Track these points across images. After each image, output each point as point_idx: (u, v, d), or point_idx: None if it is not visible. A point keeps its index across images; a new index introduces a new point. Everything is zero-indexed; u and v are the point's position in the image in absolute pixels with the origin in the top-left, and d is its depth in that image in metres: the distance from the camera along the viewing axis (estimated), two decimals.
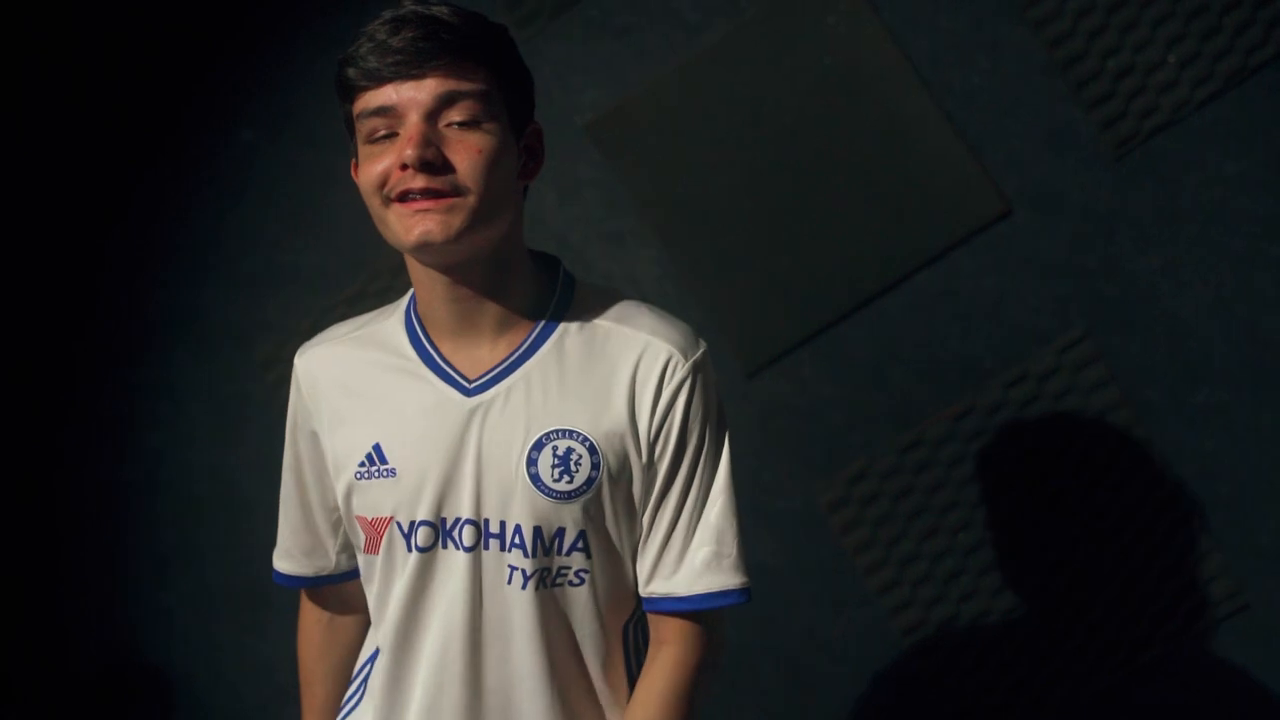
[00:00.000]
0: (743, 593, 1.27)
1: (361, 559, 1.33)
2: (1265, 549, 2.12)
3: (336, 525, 1.41)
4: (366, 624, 1.46)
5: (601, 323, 1.28)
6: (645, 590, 1.28)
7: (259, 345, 2.41)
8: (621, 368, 1.25)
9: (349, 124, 1.22)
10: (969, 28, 2.11)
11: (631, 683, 1.33)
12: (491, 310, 1.24)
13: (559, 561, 1.24)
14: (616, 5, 2.22)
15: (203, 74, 2.37)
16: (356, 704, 1.39)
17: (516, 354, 1.25)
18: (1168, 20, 2.05)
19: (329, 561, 1.43)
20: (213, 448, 2.46)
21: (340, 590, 1.47)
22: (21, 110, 2.42)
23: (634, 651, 1.34)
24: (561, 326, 1.27)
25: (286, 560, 1.45)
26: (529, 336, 1.26)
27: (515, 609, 1.25)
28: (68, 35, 2.38)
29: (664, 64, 2.21)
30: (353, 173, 1.23)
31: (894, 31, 2.13)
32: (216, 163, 2.39)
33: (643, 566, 1.28)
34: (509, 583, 1.24)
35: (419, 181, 1.14)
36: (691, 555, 1.26)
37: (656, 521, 1.27)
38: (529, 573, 1.23)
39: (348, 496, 1.30)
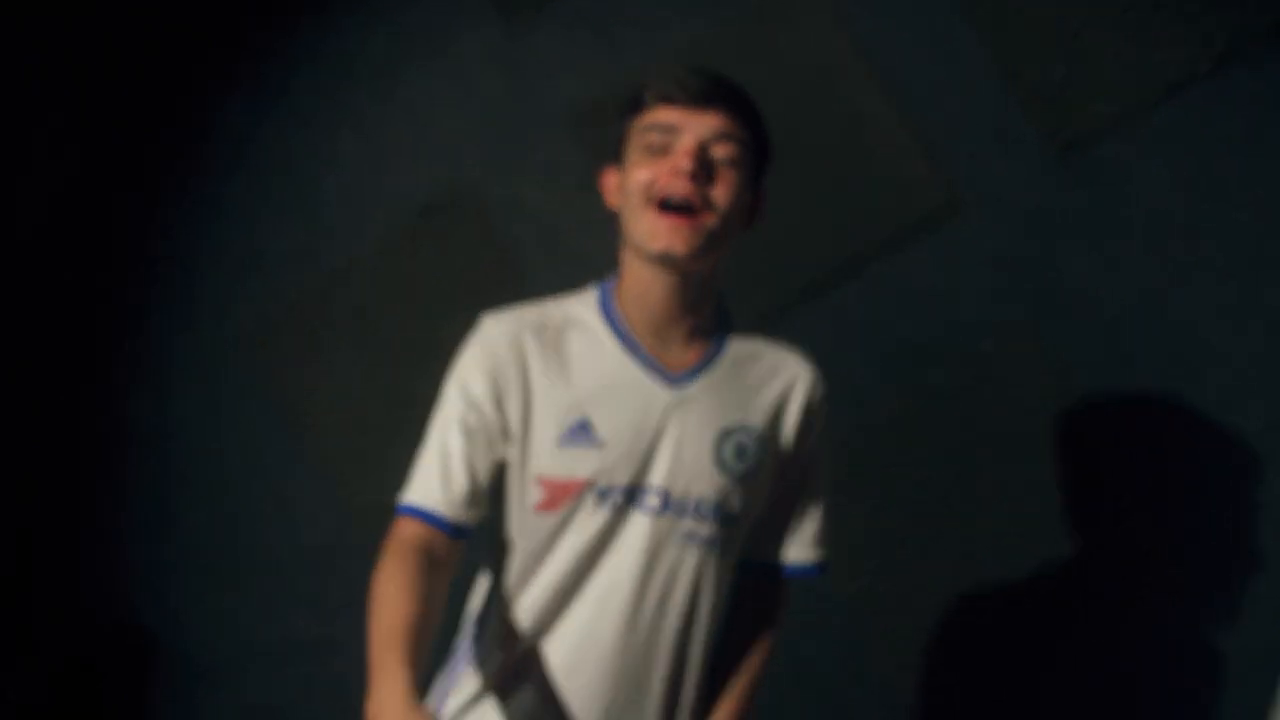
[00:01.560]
0: (827, 565, 1.66)
1: (520, 516, 1.48)
2: (1177, 518, 2.26)
3: (488, 482, 1.48)
4: (445, 594, 1.48)
5: (757, 348, 1.59)
6: (784, 558, 1.62)
7: (243, 320, 2.49)
8: (776, 383, 1.57)
9: (620, 138, 1.50)
10: (925, 37, 2.25)
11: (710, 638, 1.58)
12: (689, 319, 1.51)
13: (724, 533, 1.51)
14: (599, 3, 2.33)
15: (196, 54, 2.45)
16: (462, 665, 1.55)
17: (704, 361, 1.53)
18: (1110, 34, 2.19)
19: (466, 511, 1.46)
20: (193, 418, 2.54)
21: (454, 547, 1.49)
22: (14, 94, 2.51)
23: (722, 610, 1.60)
24: (730, 347, 1.56)
25: (424, 492, 1.47)
26: (710, 350, 1.54)
27: (683, 566, 1.49)
28: (59, 17, 2.46)
29: (642, 60, 2.32)
30: (604, 177, 1.54)
31: (856, 39, 2.25)
32: (206, 141, 2.48)
33: (781, 538, 1.62)
34: (678, 546, 1.48)
35: (684, 188, 1.40)
36: (816, 532, 1.63)
37: (800, 505, 1.62)
38: (702, 536, 1.49)
39: (533, 458, 1.46)
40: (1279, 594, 2.21)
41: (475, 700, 1.52)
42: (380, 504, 2.40)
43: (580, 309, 1.54)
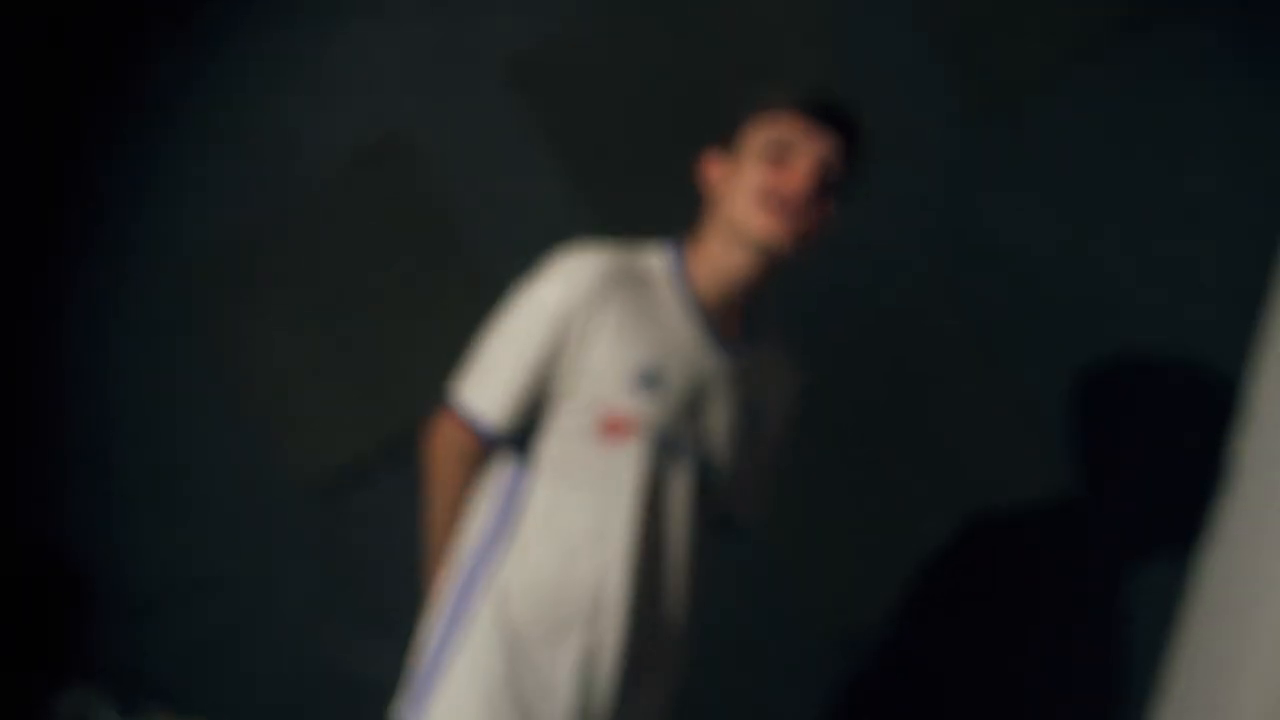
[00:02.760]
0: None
1: (575, 440, 1.63)
2: (1086, 458, 2.36)
3: (535, 407, 1.66)
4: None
5: (770, 334, 1.78)
6: (748, 510, 1.85)
7: (177, 261, 2.53)
8: (779, 370, 1.79)
9: (734, 134, 1.64)
10: None
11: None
12: (747, 298, 1.68)
13: (719, 484, 1.71)
14: None
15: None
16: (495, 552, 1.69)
17: (746, 337, 1.71)
18: None
19: (511, 424, 1.65)
20: (130, 357, 2.59)
21: (486, 453, 1.72)
22: None
23: None
24: (759, 329, 1.74)
25: (484, 399, 1.65)
26: (748, 328, 1.72)
27: (694, 509, 1.69)
28: None
29: (577, 12, 2.39)
30: (706, 165, 1.68)
31: None
32: (144, 83, 2.52)
33: (749, 494, 1.83)
34: (698, 491, 1.68)
35: (799, 202, 1.57)
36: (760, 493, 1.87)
37: (770, 470, 1.84)
38: (712, 487, 1.70)
39: (603, 394, 1.61)
40: (1179, 534, 2.32)
41: (510, 593, 1.66)
42: (310, 444, 2.52)
43: (656, 266, 1.69)
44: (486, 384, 1.65)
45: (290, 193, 2.48)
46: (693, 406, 1.64)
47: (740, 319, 1.70)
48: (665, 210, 2.34)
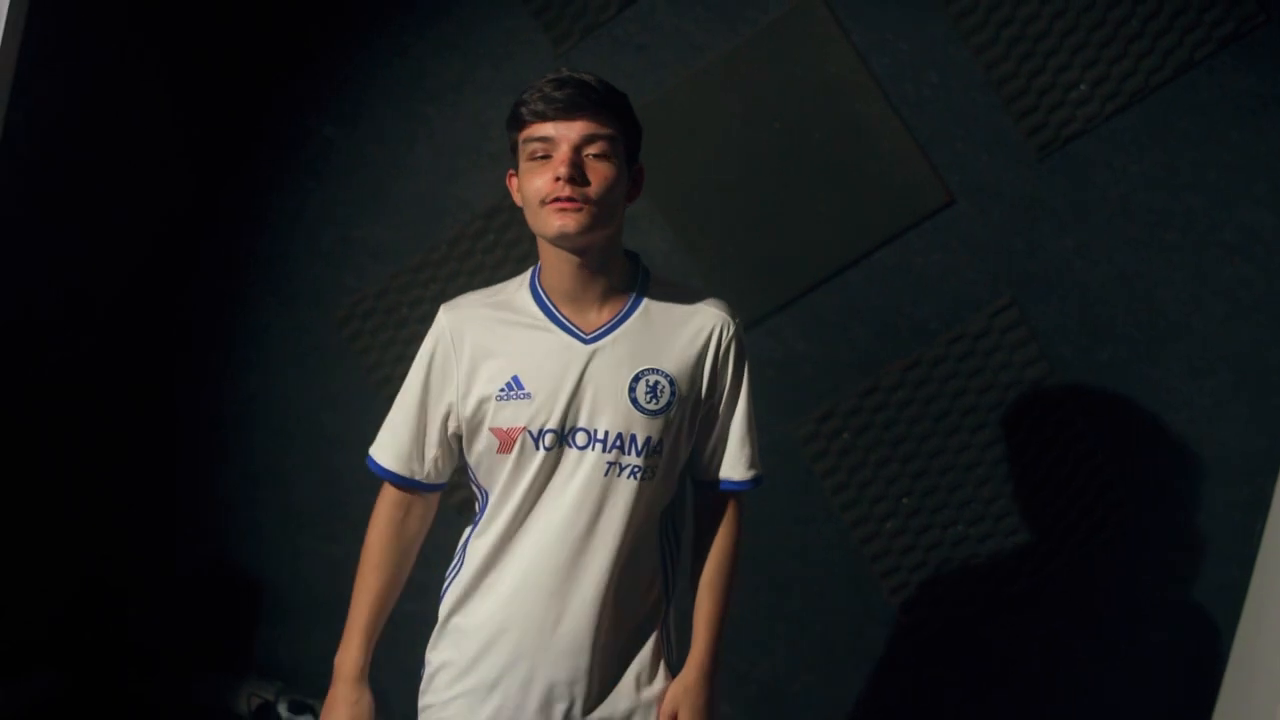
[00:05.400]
0: (762, 479, 1.85)
1: (489, 459, 1.74)
2: (1144, 473, 2.53)
3: (443, 442, 1.78)
4: (424, 532, 1.85)
5: (672, 302, 1.78)
6: (715, 475, 1.82)
7: (335, 306, 2.82)
8: (691, 328, 1.77)
9: (514, 148, 1.70)
10: (922, 51, 2.52)
11: (662, 556, 1.81)
12: (599, 284, 1.73)
13: (646, 461, 1.73)
14: (636, 27, 2.63)
15: (292, 78, 2.80)
16: (458, 570, 1.82)
17: (618, 316, 1.75)
18: (1083, 48, 2.46)
19: (422, 468, 1.79)
20: (296, 389, 2.88)
21: (422, 497, 1.83)
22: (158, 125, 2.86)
23: (668, 534, 1.82)
24: (644, 304, 1.77)
25: (384, 454, 1.80)
26: (626, 305, 1.76)
27: (615, 491, 1.72)
28: (199, 48, 2.83)
29: (675, 76, 2.61)
30: (508, 180, 1.74)
31: (862, 53, 2.53)
32: (302, 153, 2.81)
33: (713, 462, 1.82)
34: (605, 474, 1.71)
35: (566, 190, 1.62)
36: (741, 455, 1.81)
37: (723, 433, 1.81)
38: (629, 466, 1.72)
39: (481, 415, 1.73)
40: (1237, 546, 2.46)
41: (460, 602, 1.81)
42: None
43: (516, 290, 1.79)
44: (381, 434, 1.82)
45: (432, 243, 2.74)
46: (565, 398, 1.69)
47: (609, 301, 1.74)
48: (768, 256, 2.62)
